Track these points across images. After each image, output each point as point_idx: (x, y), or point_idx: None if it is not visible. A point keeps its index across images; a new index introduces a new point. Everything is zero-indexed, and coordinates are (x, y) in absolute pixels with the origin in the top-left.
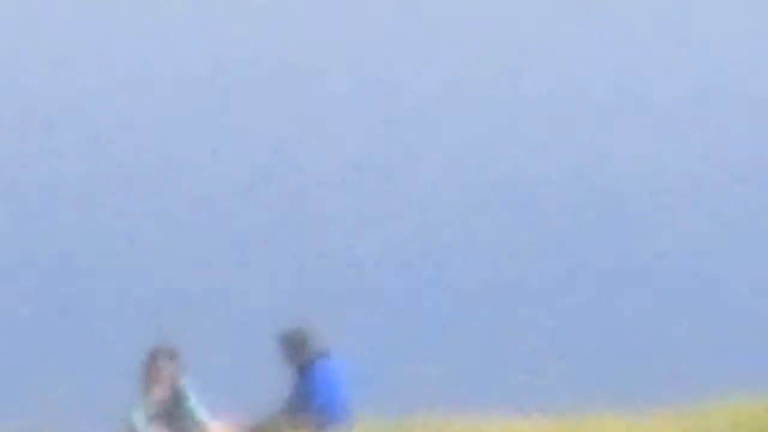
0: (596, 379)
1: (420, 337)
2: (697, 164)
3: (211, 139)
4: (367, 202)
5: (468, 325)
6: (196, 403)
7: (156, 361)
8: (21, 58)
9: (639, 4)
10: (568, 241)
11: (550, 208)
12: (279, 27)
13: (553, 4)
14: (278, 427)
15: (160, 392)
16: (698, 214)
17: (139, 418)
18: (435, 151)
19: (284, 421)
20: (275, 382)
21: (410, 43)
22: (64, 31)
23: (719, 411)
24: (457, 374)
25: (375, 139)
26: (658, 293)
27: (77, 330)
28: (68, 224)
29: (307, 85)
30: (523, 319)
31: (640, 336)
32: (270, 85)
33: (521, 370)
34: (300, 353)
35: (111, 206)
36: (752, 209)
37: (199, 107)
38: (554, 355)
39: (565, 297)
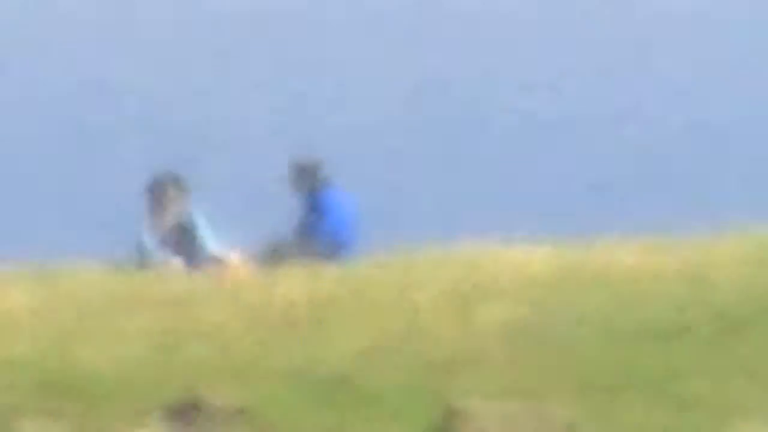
0: (607, 207)
1: (421, 169)
2: None
3: None
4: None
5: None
6: (206, 232)
7: (163, 189)
8: None
9: None
10: (565, 75)
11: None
12: None
13: None
14: (288, 252)
15: (169, 219)
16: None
17: (150, 241)
18: None
19: (294, 246)
20: (284, 211)
21: None
22: None
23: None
24: (458, 204)
25: None
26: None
27: (83, 154)
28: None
29: None
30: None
31: (649, 167)
32: None
33: (527, 200)
34: (311, 179)
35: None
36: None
37: None
38: (559, 186)
39: (569, 128)
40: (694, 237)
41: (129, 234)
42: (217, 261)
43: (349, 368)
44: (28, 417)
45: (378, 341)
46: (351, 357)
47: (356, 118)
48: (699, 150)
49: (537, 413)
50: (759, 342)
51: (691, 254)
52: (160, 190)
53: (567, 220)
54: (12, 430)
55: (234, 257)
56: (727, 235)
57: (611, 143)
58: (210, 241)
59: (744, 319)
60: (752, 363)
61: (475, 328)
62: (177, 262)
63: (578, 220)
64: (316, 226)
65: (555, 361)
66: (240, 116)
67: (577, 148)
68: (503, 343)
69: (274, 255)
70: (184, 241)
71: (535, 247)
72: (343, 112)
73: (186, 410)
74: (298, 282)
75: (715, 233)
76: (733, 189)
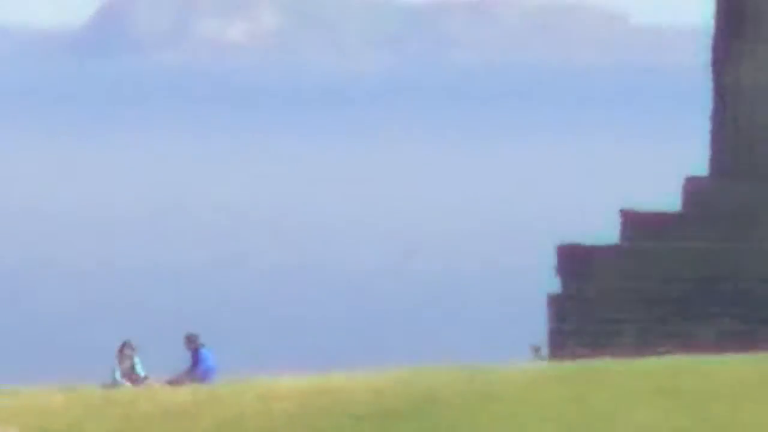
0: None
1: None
2: None
3: None
4: None
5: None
6: (140, 369)
7: (123, 348)
8: None
9: None
10: None
11: None
12: None
13: None
14: (183, 381)
15: (126, 363)
16: None
17: (117, 374)
18: None
19: (186, 376)
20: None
21: None
22: None
23: None
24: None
25: None
26: None
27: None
28: None
29: None
30: None
31: None
32: None
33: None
34: (193, 343)
35: None
36: None
37: None
38: None
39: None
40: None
41: (108, 369)
42: (144, 382)
43: None
44: None
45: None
46: None
47: None
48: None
49: None
50: None
51: None
52: (122, 348)
53: None
54: None
55: (153, 380)
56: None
57: None
58: (142, 372)
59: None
60: None
61: None
62: (129, 385)
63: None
64: (196, 367)
65: None
66: None
67: None
68: None
69: (174, 381)
70: (133, 375)
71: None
72: None
73: None
74: (170, 394)
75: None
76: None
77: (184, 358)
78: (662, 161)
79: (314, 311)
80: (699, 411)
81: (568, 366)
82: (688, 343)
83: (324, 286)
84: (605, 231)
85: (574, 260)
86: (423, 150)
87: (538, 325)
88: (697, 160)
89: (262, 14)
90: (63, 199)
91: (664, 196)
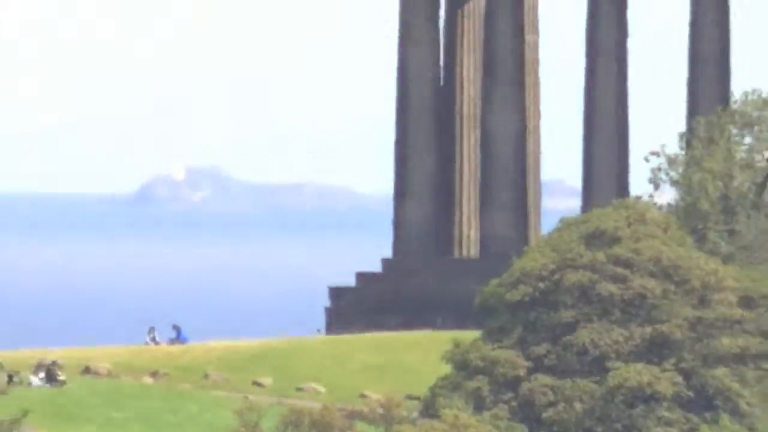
0: None
1: None
2: None
3: None
4: None
5: None
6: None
7: (150, 330)
8: None
9: None
10: None
11: None
12: None
13: None
14: (175, 345)
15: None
16: None
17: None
18: None
19: (176, 343)
20: None
21: None
22: None
23: None
24: None
25: None
26: None
27: None
28: None
29: None
30: None
31: None
32: None
33: None
34: (176, 328)
35: None
36: None
37: None
38: None
39: None
40: None
41: None
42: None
43: None
44: None
45: None
46: None
47: None
48: None
49: None
50: None
51: None
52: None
53: None
54: None
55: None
56: None
57: None
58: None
59: None
60: None
61: None
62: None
63: None
64: (178, 339)
65: None
66: None
67: None
68: None
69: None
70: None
71: None
72: None
73: None
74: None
75: None
76: None
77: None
78: None
79: None
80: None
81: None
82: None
83: None
84: None
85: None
86: None
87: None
88: None
89: None
90: None
91: None
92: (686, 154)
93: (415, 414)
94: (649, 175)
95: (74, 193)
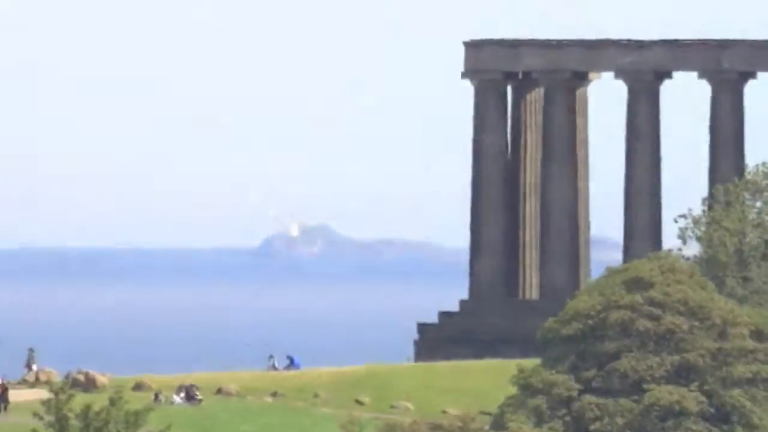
0: None
1: None
2: None
3: None
4: None
5: None
6: None
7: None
8: None
9: None
10: None
11: None
12: None
13: None
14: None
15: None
16: None
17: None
18: None
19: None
20: None
21: None
22: None
23: None
24: None
25: None
26: None
27: None
28: None
29: None
30: None
31: None
32: None
33: None
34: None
35: None
36: None
37: None
38: None
39: None
40: None
41: None
42: None
43: None
44: None
45: None
46: None
47: None
48: None
49: None
50: None
51: None
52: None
53: None
54: None
55: None
56: None
57: None
58: None
59: None
60: None
61: None
62: None
63: None
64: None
65: None
66: None
67: None
68: None
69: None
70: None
71: None
72: None
73: None
74: None
75: None
76: None
77: None
78: None
79: None
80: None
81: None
82: None
83: None
84: None
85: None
86: None
87: None
88: None
89: None
90: None
91: None
92: (708, 215)
93: (486, 427)
94: (677, 232)
95: (209, 248)
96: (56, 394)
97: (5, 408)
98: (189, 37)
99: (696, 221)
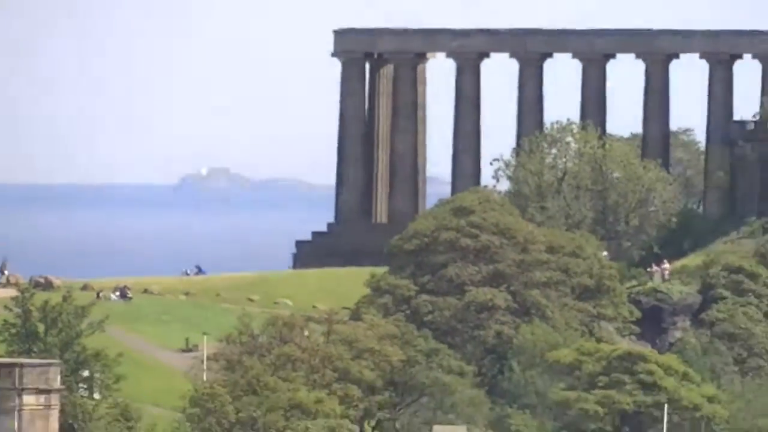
0: None
1: None
2: None
3: None
4: None
5: None
6: None
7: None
8: None
9: None
10: None
11: None
12: None
13: None
14: None
15: None
16: None
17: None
18: None
19: None
20: None
21: None
22: None
23: None
24: None
25: None
26: None
27: None
28: None
29: None
30: None
31: None
32: None
33: None
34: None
35: None
36: None
37: None
38: None
39: None
40: None
41: None
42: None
43: None
44: None
45: None
46: None
47: None
48: None
49: None
50: None
51: None
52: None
53: None
54: None
55: None
56: None
57: None
58: None
59: None
60: None
61: None
62: None
63: None
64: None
65: None
66: None
67: None
68: None
69: None
70: None
71: None
72: None
73: None
74: None
75: None
76: None
77: None
78: None
79: None
80: None
81: None
82: None
83: None
84: None
85: None
86: None
87: None
88: None
89: None
90: None
91: None
92: (515, 160)
93: (346, 319)
94: (492, 173)
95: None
96: (22, 292)
97: None
98: None
99: (507, 164)
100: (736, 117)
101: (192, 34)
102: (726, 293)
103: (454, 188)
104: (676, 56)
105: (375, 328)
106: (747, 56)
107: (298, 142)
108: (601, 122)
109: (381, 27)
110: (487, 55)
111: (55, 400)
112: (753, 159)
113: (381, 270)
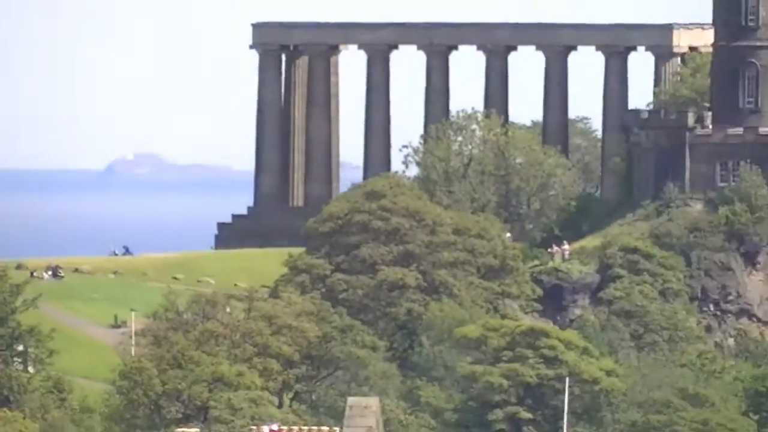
0: None
1: None
2: None
3: None
4: None
5: None
6: None
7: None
8: None
9: None
10: None
11: None
12: None
13: None
14: None
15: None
16: None
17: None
18: None
19: None
20: None
21: None
22: None
23: None
24: None
25: None
26: None
27: None
28: None
29: None
30: None
31: None
32: None
33: None
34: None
35: None
36: None
37: None
38: None
39: None
40: None
41: None
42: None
43: None
44: None
45: None
46: None
47: None
48: None
49: None
50: None
51: None
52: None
53: None
54: None
55: None
56: None
57: None
58: None
59: None
60: None
61: None
62: None
63: None
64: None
65: None
66: None
67: None
68: None
69: None
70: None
71: None
72: None
73: None
74: None
75: None
76: None
77: None
78: None
79: None
80: None
81: None
82: None
83: None
84: None
85: None
86: None
87: None
88: None
89: None
90: None
91: None
92: (424, 146)
93: (266, 296)
94: (402, 159)
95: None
96: None
97: None
98: None
99: (415, 151)
100: (631, 106)
101: (116, 23)
102: (623, 272)
103: (366, 173)
104: (574, 48)
105: (292, 305)
106: (641, 48)
107: (220, 129)
108: (504, 111)
109: (296, 21)
110: (396, 48)
111: None
112: (647, 146)
113: (298, 251)
